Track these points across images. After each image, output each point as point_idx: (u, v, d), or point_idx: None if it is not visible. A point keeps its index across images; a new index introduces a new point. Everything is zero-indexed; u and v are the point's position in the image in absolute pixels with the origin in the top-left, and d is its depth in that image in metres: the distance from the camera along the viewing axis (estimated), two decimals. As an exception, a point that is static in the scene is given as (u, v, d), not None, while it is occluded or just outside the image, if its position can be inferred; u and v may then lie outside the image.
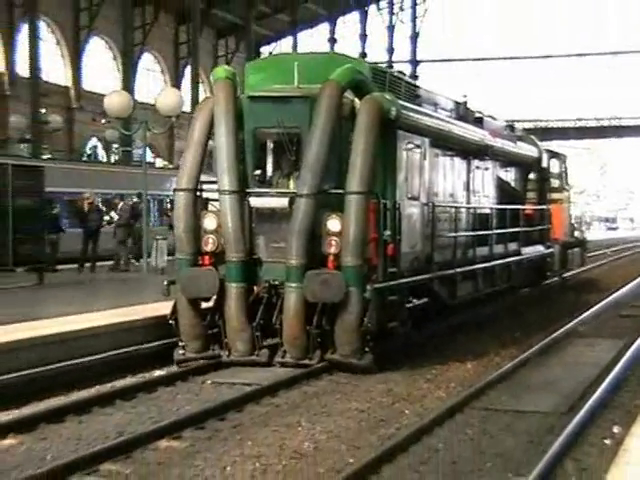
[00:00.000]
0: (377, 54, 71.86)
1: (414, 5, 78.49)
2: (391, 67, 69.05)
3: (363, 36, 75.80)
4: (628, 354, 16.48)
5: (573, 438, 10.77)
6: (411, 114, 16.40)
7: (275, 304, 14.43)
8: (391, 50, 77.22)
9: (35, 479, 9.15)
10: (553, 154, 31.36)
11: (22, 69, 49.88)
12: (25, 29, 48.21)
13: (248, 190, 14.91)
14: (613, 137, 79.20)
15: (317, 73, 14.78)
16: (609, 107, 75.28)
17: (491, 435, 11.33)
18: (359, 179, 14.07)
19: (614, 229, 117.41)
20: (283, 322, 14.16)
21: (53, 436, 11.17)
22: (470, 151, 20.99)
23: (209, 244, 14.90)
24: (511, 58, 75.50)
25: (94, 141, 57.55)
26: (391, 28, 77.81)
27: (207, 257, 14.88)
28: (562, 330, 19.69)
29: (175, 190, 15.25)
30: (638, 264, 43.78)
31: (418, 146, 16.77)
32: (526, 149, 26.90)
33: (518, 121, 49.52)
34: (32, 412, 12.36)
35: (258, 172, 15.24)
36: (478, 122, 22.20)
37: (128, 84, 52.04)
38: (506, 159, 24.73)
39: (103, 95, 35.27)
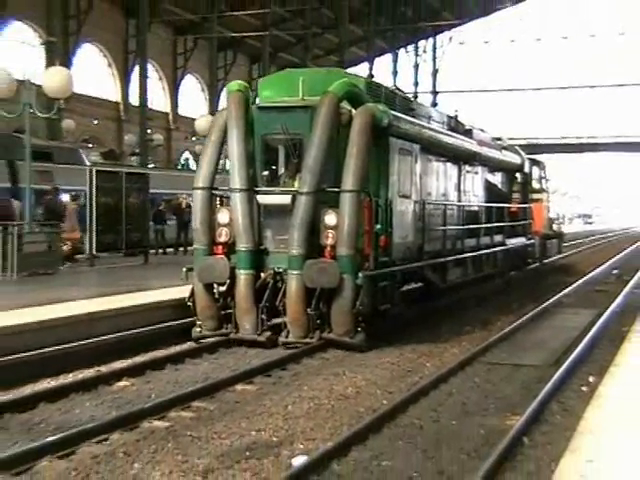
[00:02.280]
0: (406, 87, 71.09)
1: (434, 49, 78.53)
2: (416, 97, 68.98)
3: (395, 72, 75.67)
4: (602, 320, 16.70)
5: (558, 385, 10.98)
6: (402, 123, 15.44)
7: (279, 289, 13.56)
8: (416, 83, 76.85)
9: (143, 411, 9.43)
10: (534, 162, 30.52)
11: (133, 99, 50.12)
12: (136, 69, 48.42)
13: (257, 188, 14.10)
14: (590, 152, 78.26)
15: (319, 86, 13.87)
16: (587, 128, 75.14)
17: (493, 383, 11.43)
18: (352, 178, 13.23)
19: (590, 223, 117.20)
20: (286, 305, 13.32)
21: (155, 380, 11.43)
22: (460, 157, 20.00)
23: (222, 236, 14.07)
24: (509, 90, 74.95)
25: (187, 154, 57.86)
26: (416, 66, 77.63)
27: (220, 247, 14.05)
28: (549, 302, 19.59)
29: (193, 188, 14.41)
30: (607, 251, 43.49)
31: (409, 151, 15.79)
32: (510, 157, 25.92)
33: (515, 139, 49.12)
34: (141, 361, 12.49)
35: (266, 173, 14.40)
36: (468, 133, 21.23)
37: (213, 109, 52.13)
38: (493, 165, 23.72)
39: (194, 119, 35.35)
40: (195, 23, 53.86)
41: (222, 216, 14.14)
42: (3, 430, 8.98)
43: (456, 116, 21.49)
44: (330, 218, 13.29)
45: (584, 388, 10.81)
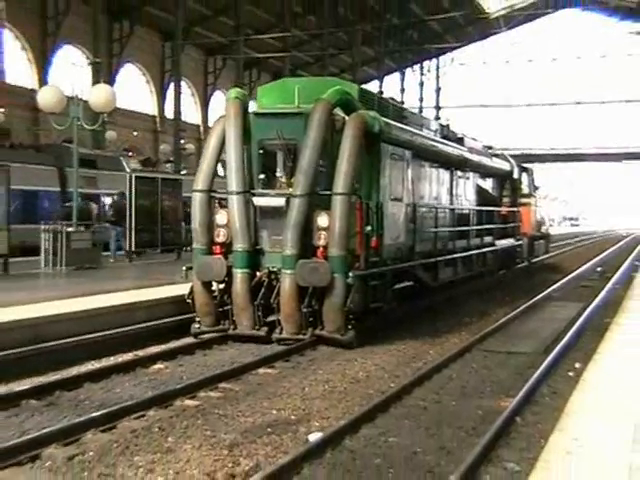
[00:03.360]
0: (412, 102, 71.22)
1: (437, 69, 78.69)
2: (421, 110, 69.24)
3: (402, 89, 75.50)
4: (587, 312, 16.70)
5: (547, 371, 10.98)
6: (394, 129, 14.57)
7: (274, 287, 12.69)
8: (421, 99, 76.79)
9: (176, 391, 9.51)
10: (523, 169, 29.49)
11: (169, 113, 50.22)
12: (172, 86, 48.47)
13: (252, 191, 13.19)
14: (576, 161, 78.11)
15: (314, 94, 12.95)
16: (573, 140, 74.51)
17: (489, 369, 11.43)
18: (343, 182, 12.36)
19: (576, 225, 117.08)
20: (280, 302, 12.48)
21: (187, 363, 11.50)
22: (452, 163, 19.12)
23: (220, 236, 13.27)
24: (505, 106, 74.82)
25: (216, 162, 57.97)
26: (421, 84, 77.56)
27: (218, 247, 13.26)
28: (540, 296, 19.54)
29: (193, 191, 13.49)
30: (590, 251, 43.30)
31: (401, 156, 14.81)
32: (500, 163, 25.21)
33: (510, 149, 48.93)
34: (174, 346, 12.51)
35: (262, 176, 13.36)
36: (459, 141, 20.52)
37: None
38: (483, 171, 22.87)
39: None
40: (224, 45, 53.91)
41: (220, 217, 13.34)
42: (54, 406, 9.08)
43: (448, 125, 21.23)
44: (322, 220, 12.51)
45: (571, 373, 10.78)
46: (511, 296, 19.91)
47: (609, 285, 22.44)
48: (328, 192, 12.53)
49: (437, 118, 62.18)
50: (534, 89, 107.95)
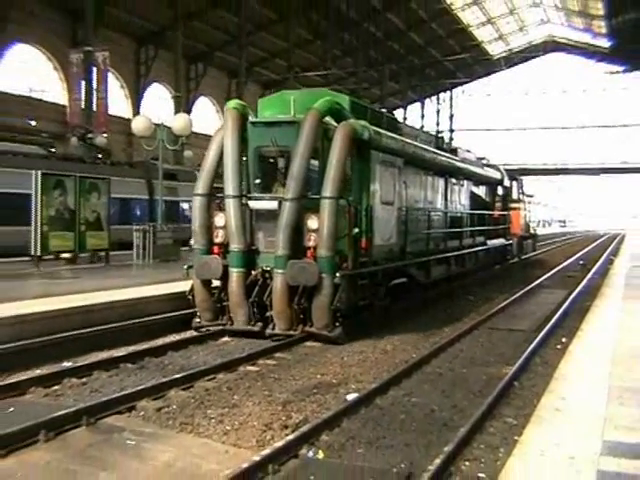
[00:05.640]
0: (430, 126, 70.79)
1: (450, 99, 77.82)
2: (438, 132, 68.90)
3: (422, 116, 74.90)
4: (571, 297, 16.65)
5: (540, 345, 10.95)
6: (384, 138, 12.86)
7: (268, 285, 11.19)
8: (437, 124, 75.97)
9: (240, 359, 9.63)
10: (513, 178, 27.91)
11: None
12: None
13: (248, 195, 11.82)
14: (563, 174, 77.18)
15: (309, 105, 11.43)
16: (560, 157, 74.09)
17: (493, 343, 11.36)
18: (332, 186, 10.88)
19: (564, 226, 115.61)
20: (272, 300, 11.02)
21: (249, 338, 11.23)
22: (445, 171, 17.44)
23: (219, 237, 11.79)
24: (505, 129, 74.81)
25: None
26: (437, 112, 76.87)
27: (217, 247, 11.77)
28: (533, 284, 19.33)
29: (194, 195, 12.06)
30: (575, 247, 42.81)
31: (392, 163, 13.16)
32: (491, 172, 23.57)
33: (510, 164, 48.44)
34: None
35: (258, 181, 11.92)
36: (453, 152, 19.09)
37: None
38: (476, 179, 21.13)
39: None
40: (278, 81, 53.70)
41: (219, 219, 11.85)
42: (144, 369, 9.20)
43: (442, 137, 20.40)
44: (312, 222, 10.97)
45: (558, 346, 10.68)
46: (510, 285, 19.65)
47: (589, 275, 22.14)
48: (317, 196, 11.07)
49: (451, 139, 61.88)
50: (529, 116, 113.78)
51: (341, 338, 10.85)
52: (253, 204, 11.72)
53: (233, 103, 12.18)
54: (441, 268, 16.65)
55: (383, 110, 14.98)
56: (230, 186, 11.49)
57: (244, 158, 11.89)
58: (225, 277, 11.50)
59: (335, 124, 11.62)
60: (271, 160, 11.86)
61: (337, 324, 10.87)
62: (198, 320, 11.76)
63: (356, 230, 11.38)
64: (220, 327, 11.60)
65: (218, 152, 11.92)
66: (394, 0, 51.49)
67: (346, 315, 11.10)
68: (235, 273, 11.35)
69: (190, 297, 11.83)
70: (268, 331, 11.07)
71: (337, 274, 10.77)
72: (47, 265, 17.43)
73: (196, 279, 11.72)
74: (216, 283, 11.82)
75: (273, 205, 11.36)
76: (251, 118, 11.99)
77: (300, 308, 10.87)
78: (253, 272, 11.45)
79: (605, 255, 32.94)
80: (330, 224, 10.80)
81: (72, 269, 17.51)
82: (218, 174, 12.07)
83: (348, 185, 11.62)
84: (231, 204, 11.46)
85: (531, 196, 40.47)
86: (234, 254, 11.42)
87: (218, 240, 11.80)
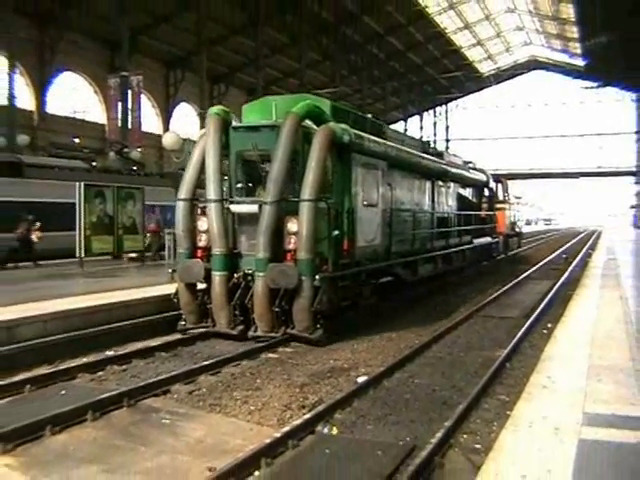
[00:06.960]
0: (429, 137, 70.80)
1: (446, 112, 77.82)
2: (435, 142, 68.74)
3: (421, 127, 74.60)
4: (556, 286, 16.54)
5: (528, 330, 10.93)
6: (366, 141, 11.57)
7: (250, 288, 10.13)
8: (435, 134, 75.92)
9: (262, 348, 9.62)
10: (499, 180, 26.65)
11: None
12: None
13: (230, 199, 10.75)
14: (546, 178, 76.45)
15: (290, 109, 10.26)
16: (544, 163, 74.82)
17: (487, 329, 11.30)
18: (310, 189, 9.77)
19: (549, 224, 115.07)
20: (254, 302, 9.99)
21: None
22: (431, 173, 15.95)
23: (202, 241, 10.72)
24: (495, 138, 75.32)
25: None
26: (434, 124, 76.68)
27: (200, 251, 10.70)
28: (521, 277, 19.22)
29: (177, 200, 11.10)
30: (558, 243, 42.45)
31: (374, 165, 11.93)
32: (477, 175, 21.73)
33: (500, 169, 48.30)
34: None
35: (240, 185, 10.81)
36: (439, 155, 17.84)
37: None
38: (462, 181, 19.46)
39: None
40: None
41: (202, 224, 10.78)
42: (178, 357, 9.25)
43: (428, 142, 19.73)
44: (292, 225, 9.92)
45: (545, 331, 10.62)
46: (500, 278, 19.52)
47: (571, 267, 21.95)
48: (296, 199, 9.96)
49: (446, 148, 61.71)
50: (516, 126, 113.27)
51: (322, 340, 9.84)
52: (235, 208, 10.65)
53: (215, 109, 11.15)
54: (428, 266, 15.52)
55: (368, 115, 13.83)
56: (212, 190, 10.48)
57: (226, 163, 10.95)
58: (209, 280, 10.49)
59: (316, 128, 10.53)
60: (252, 164, 10.75)
61: (318, 326, 9.86)
62: (183, 323, 10.76)
63: (336, 232, 10.33)
64: (204, 329, 10.60)
65: (201, 157, 10.91)
66: (395, 25, 51.59)
67: (328, 316, 10.13)
68: (217, 276, 10.31)
69: (175, 300, 10.84)
70: (250, 333, 10.10)
71: (317, 276, 9.74)
72: (88, 265, 17.54)
73: (180, 282, 10.74)
74: (202, 286, 10.82)
75: (254, 208, 10.24)
76: (233, 123, 11.00)
77: (281, 310, 9.89)
78: (235, 275, 10.37)
79: (584, 249, 32.69)
80: (309, 227, 9.75)
81: (111, 268, 17.60)
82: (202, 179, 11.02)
83: (329, 187, 10.62)
84: (213, 208, 10.43)
85: (519, 197, 40.13)
86: (216, 257, 10.37)
87: (201, 244, 10.77)
